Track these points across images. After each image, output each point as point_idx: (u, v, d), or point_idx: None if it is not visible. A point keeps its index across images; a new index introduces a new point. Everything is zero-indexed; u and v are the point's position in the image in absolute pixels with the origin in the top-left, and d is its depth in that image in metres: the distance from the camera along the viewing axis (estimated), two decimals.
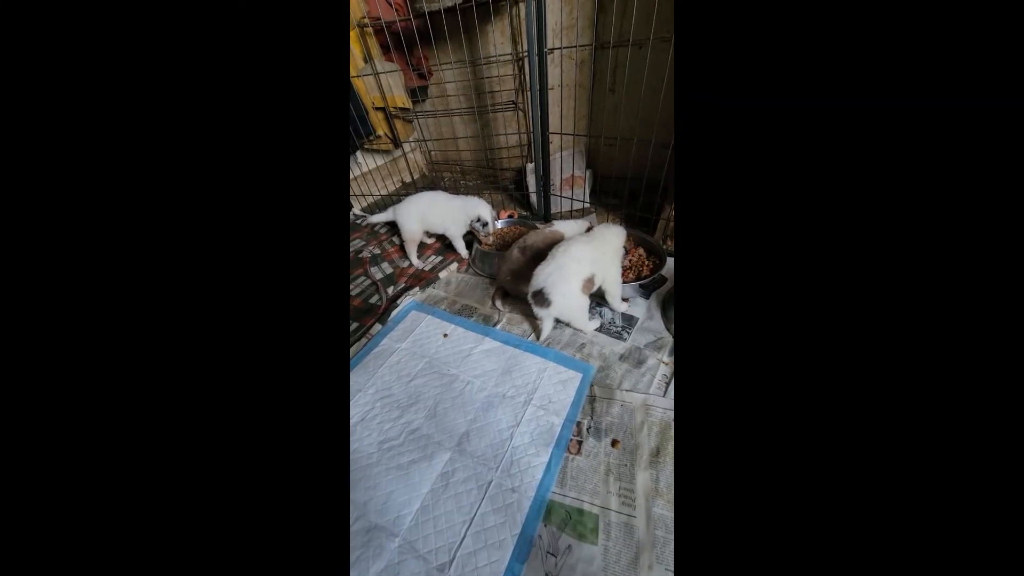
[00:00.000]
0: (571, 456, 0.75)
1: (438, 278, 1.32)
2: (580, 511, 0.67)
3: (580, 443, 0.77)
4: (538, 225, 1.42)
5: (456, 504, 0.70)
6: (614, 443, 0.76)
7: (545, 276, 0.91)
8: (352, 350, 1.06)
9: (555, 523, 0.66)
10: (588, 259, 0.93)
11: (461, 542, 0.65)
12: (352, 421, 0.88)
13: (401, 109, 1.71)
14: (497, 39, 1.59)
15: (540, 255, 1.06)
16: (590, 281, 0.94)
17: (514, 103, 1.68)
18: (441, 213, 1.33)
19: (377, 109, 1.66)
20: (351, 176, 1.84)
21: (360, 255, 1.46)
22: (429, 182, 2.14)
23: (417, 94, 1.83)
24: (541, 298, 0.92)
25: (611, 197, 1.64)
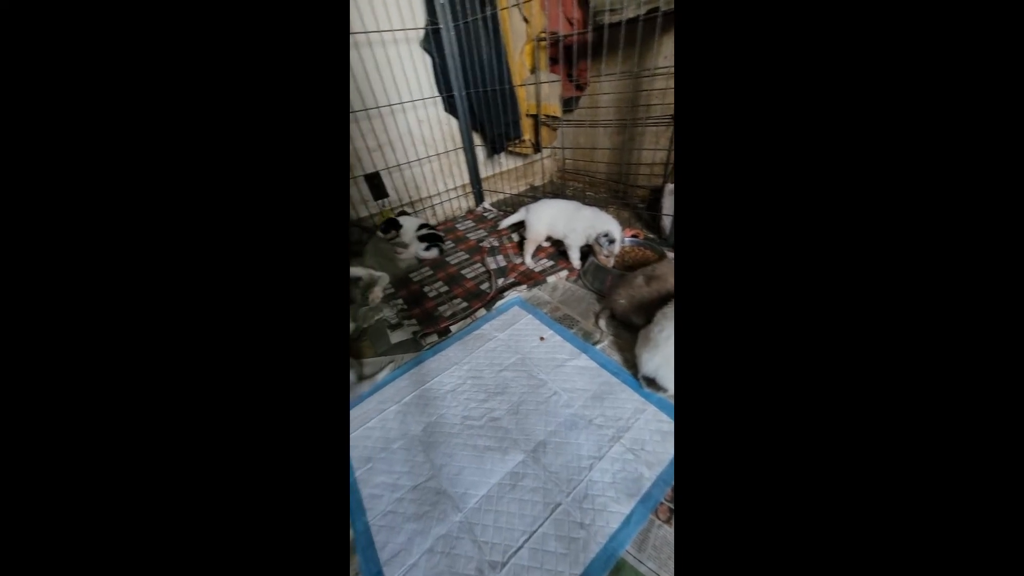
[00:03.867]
0: (659, 522, 0.64)
1: (546, 281, 1.33)
2: None
3: (673, 512, 0.65)
4: (667, 252, 1.28)
5: (519, 508, 0.69)
6: None
7: (655, 368, 0.84)
8: (458, 326, 1.17)
9: None
10: None
11: (517, 550, 0.63)
12: (445, 389, 0.97)
13: (551, 117, 1.79)
14: (668, 50, 1.50)
15: (665, 295, 0.96)
16: None
17: (671, 117, 1.56)
18: (570, 221, 1.34)
19: (529, 116, 1.78)
20: (489, 173, 2.03)
21: (481, 243, 1.60)
22: (557, 189, 2.19)
23: (571, 103, 1.89)
24: (655, 385, 0.86)
25: None
